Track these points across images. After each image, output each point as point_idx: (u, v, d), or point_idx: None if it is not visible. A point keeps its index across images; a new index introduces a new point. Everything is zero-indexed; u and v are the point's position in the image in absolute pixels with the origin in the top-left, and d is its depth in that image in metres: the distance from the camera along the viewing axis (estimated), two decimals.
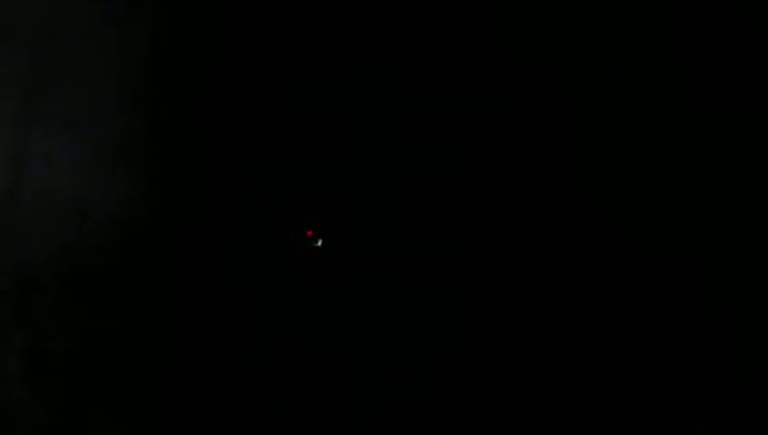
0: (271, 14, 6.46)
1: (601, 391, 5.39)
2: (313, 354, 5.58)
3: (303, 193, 6.69)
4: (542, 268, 5.34)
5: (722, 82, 4.70)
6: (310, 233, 9.49)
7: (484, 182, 6.39)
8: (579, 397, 5.33)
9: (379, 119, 6.90)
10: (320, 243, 9.91)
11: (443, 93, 6.82)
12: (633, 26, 5.22)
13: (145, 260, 5.14)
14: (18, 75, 4.08)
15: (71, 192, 4.85)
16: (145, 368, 5.65)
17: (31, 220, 4.71)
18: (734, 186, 4.69)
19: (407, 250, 6.22)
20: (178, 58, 6.05)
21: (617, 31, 5.20)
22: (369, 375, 4.97)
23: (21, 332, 4.66)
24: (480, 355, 5.18)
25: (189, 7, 5.36)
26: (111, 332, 5.49)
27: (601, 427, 5.25)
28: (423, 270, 6.43)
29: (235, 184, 5.82)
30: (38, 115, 4.49)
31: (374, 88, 6.74)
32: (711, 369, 4.36)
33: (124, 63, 5.18)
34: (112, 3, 4.97)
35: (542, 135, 5.47)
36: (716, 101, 4.93)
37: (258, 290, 5.87)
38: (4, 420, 4.76)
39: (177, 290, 5.17)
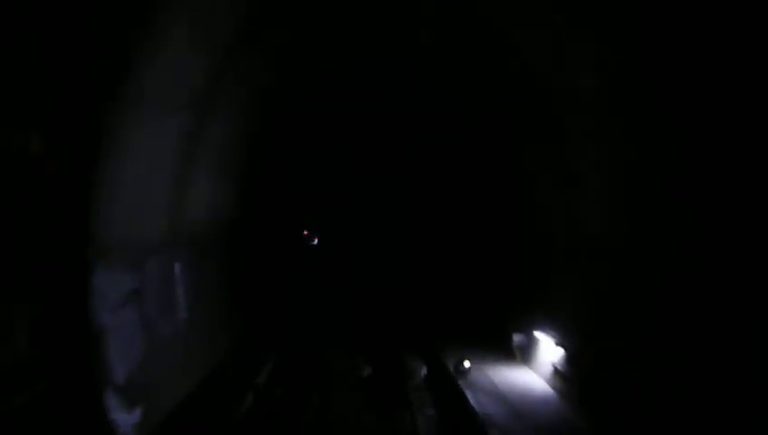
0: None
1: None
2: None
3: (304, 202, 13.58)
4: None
5: None
6: (306, 233, 17.33)
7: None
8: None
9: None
10: (315, 241, 17.75)
11: None
12: None
13: (239, 232, 11.27)
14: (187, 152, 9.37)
15: (210, 207, 10.53)
16: (246, 283, 11.81)
17: (197, 219, 10.36)
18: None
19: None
20: (256, 145, 12.31)
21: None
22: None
23: (195, 270, 10.16)
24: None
25: (261, 119, 11.37)
26: (239, 267, 11.62)
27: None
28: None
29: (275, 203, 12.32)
30: (195, 169, 10.02)
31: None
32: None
33: (236, 143, 11.01)
34: (235, 113, 10.77)
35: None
36: None
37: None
38: (209, 305, 10.34)
39: (249, 245, 11.47)
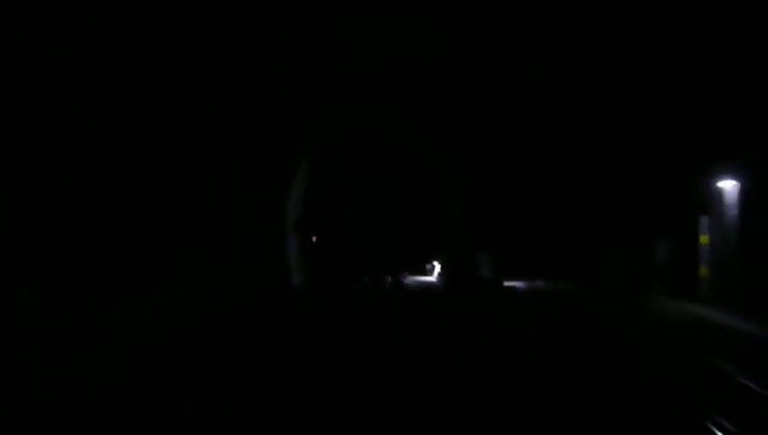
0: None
1: None
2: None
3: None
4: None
5: None
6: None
7: None
8: None
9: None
10: (314, 239, 38.84)
11: None
12: None
13: (303, 224, 28.23)
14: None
15: (295, 213, 26.88)
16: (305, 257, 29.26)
17: (292, 217, 26.97)
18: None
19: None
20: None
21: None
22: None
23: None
24: None
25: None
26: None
27: None
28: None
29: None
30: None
31: None
32: None
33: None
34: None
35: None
36: None
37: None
38: (296, 257, 26.97)
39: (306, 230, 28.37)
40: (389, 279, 25.51)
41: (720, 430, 6.31)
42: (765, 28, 15.94)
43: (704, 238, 18.33)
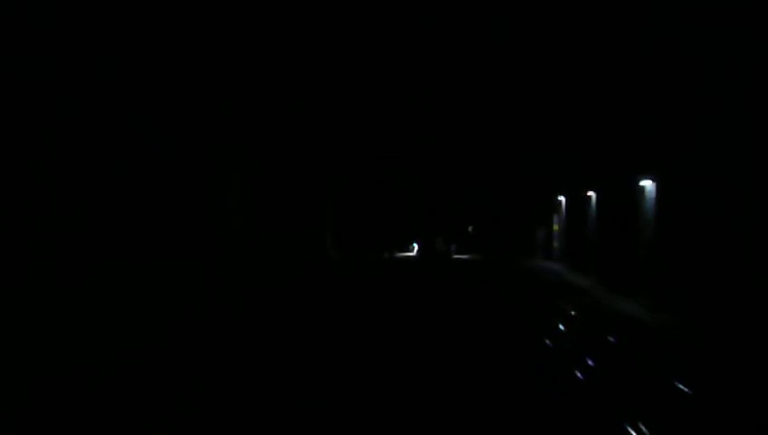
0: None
1: None
2: None
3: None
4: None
5: None
6: None
7: None
8: None
9: None
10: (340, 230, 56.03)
11: None
12: None
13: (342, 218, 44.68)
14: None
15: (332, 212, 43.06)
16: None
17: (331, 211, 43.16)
18: None
19: None
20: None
21: None
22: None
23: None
24: None
25: None
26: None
27: None
28: None
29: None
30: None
31: None
32: None
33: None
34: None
35: None
36: None
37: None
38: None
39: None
40: (387, 256, 41.28)
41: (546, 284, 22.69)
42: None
43: (555, 227, 34.42)
